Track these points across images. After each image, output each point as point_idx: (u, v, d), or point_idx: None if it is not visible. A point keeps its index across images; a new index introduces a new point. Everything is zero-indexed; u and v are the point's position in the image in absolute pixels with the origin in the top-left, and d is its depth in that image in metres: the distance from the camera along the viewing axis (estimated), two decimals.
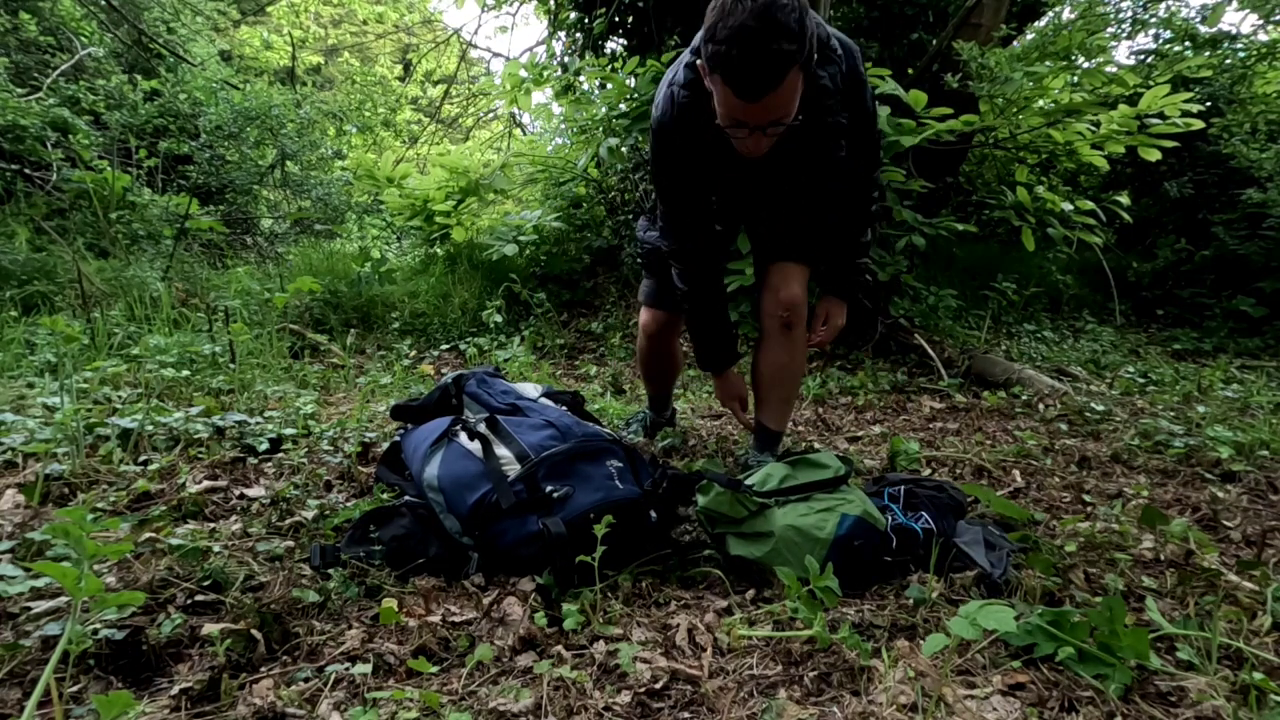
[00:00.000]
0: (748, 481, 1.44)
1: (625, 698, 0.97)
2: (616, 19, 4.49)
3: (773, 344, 1.83)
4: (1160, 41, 3.63)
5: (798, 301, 1.76)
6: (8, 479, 1.53)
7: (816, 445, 2.26)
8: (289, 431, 1.93)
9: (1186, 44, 3.39)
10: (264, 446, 1.85)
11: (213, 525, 1.44)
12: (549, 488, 1.32)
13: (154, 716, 0.90)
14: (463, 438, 1.45)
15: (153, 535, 1.31)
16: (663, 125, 1.53)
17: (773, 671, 1.03)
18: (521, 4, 6.17)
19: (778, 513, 1.34)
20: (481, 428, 1.45)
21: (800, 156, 1.57)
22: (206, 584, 1.18)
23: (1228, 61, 4.32)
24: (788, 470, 1.45)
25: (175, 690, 0.94)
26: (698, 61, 1.35)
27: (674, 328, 2.07)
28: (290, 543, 1.38)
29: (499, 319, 3.71)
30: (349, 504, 1.58)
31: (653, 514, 1.39)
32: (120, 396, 2.14)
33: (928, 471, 2.01)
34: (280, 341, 2.99)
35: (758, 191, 1.70)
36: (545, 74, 4.20)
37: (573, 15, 4.81)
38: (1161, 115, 2.97)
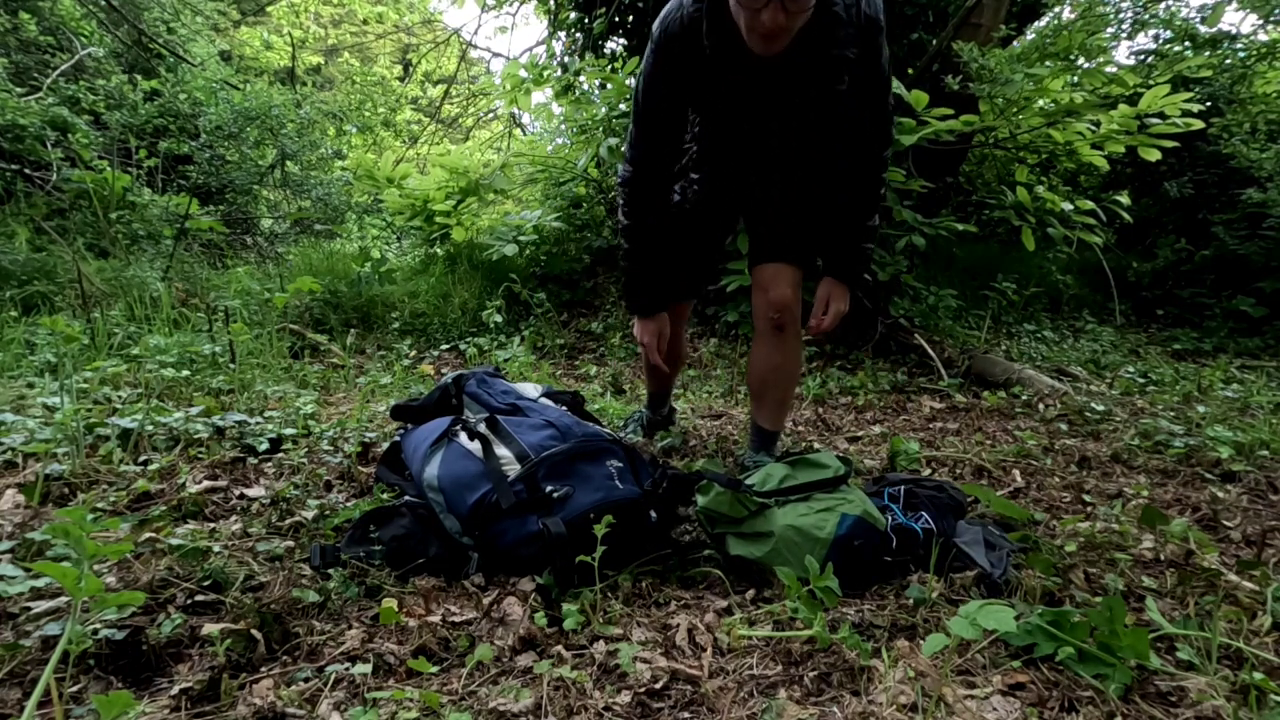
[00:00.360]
0: (748, 482, 1.44)
1: (625, 698, 0.97)
2: (616, 19, 4.49)
3: (765, 345, 1.82)
4: (1160, 42, 3.62)
5: (788, 302, 1.75)
6: (8, 479, 1.53)
7: (816, 445, 2.26)
8: (289, 431, 1.93)
9: (1186, 44, 3.39)
10: (264, 446, 1.85)
11: (213, 525, 1.44)
12: (549, 488, 1.32)
13: (154, 716, 0.90)
14: (463, 438, 1.45)
15: (153, 535, 1.31)
16: (668, 26, 1.48)
17: (773, 671, 1.03)
18: (521, 4, 6.17)
19: (778, 513, 1.34)
20: (481, 428, 1.45)
21: (801, 79, 1.51)
22: (206, 584, 1.18)
23: (1228, 61, 4.32)
24: (787, 470, 1.45)
25: (175, 690, 0.94)
26: None
27: (681, 315, 2.04)
28: (290, 543, 1.38)
29: (499, 319, 3.71)
30: (349, 504, 1.58)
31: (653, 514, 1.39)
32: (120, 396, 2.14)
33: (928, 471, 2.01)
34: (280, 341, 2.99)
35: (754, 115, 1.61)
36: (545, 74, 4.20)
37: (573, 15, 4.82)
38: (1161, 115, 2.98)
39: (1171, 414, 2.62)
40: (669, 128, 1.61)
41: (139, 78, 5.95)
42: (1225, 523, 1.65)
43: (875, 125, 1.61)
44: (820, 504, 1.33)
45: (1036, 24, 4.68)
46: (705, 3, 1.43)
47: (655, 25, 1.51)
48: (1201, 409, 2.68)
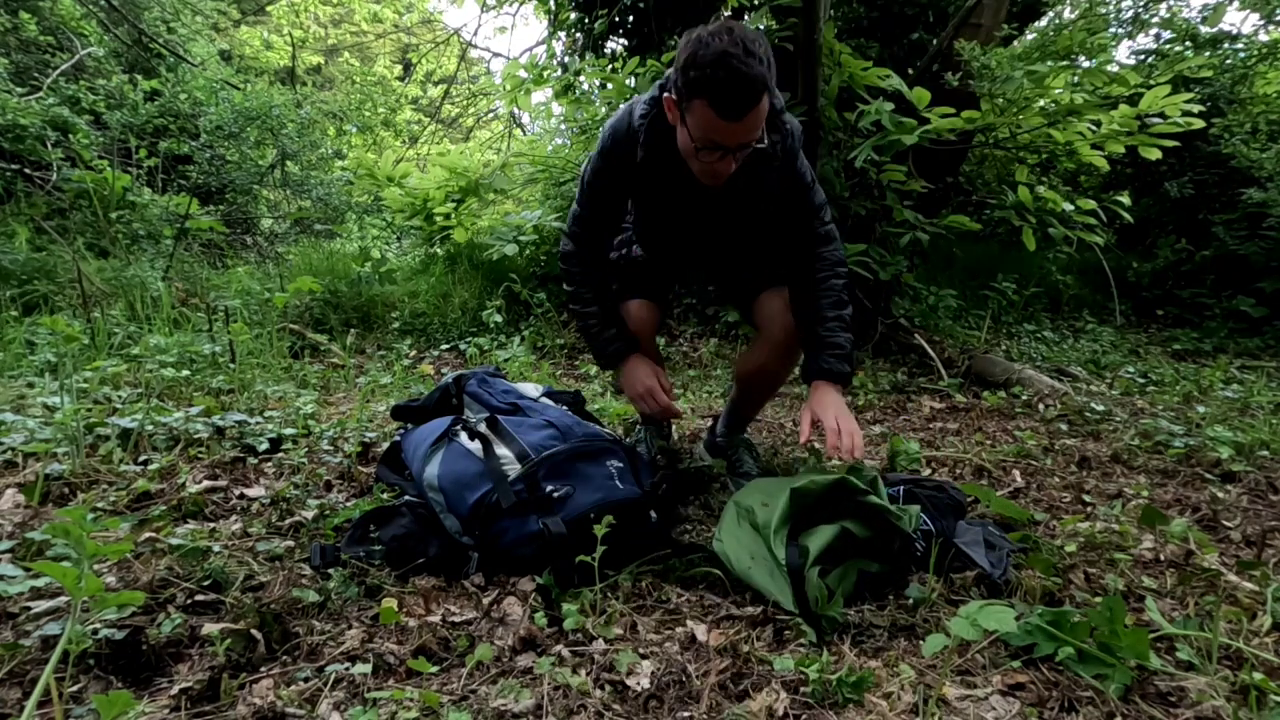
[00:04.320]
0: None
1: (625, 697, 0.97)
2: (617, 19, 4.49)
3: (777, 355, 1.78)
4: (1161, 41, 3.63)
5: (794, 326, 1.74)
6: (8, 479, 1.53)
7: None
8: (289, 431, 1.93)
9: (1187, 44, 3.39)
10: (264, 446, 1.85)
11: (213, 525, 1.44)
12: (549, 487, 1.32)
13: (154, 716, 0.90)
14: (463, 437, 1.45)
15: (153, 535, 1.31)
16: (615, 134, 1.55)
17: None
18: (521, 4, 6.16)
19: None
20: (482, 427, 1.45)
21: (734, 203, 1.61)
22: (206, 584, 1.18)
23: (1228, 61, 4.32)
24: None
25: (175, 690, 0.94)
26: (665, 95, 1.42)
27: (653, 322, 1.83)
28: (290, 543, 1.38)
29: (499, 319, 3.71)
30: (349, 504, 1.58)
31: (653, 514, 1.39)
32: (120, 396, 2.14)
33: (928, 471, 2.01)
34: (280, 341, 2.98)
35: (690, 220, 1.68)
36: (545, 74, 4.19)
37: (573, 15, 4.81)
38: (1162, 115, 2.97)
39: (1171, 414, 2.62)
40: (612, 216, 1.71)
41: (139, 78, 5.94)
42: (1225, 523, 1.65)
43: (811, 233, 1.62)
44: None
45: (1037, 24, 4.68)
46: (647, 121, 1.49)
47: (605, 129, 1.58)
48: (1201, 409, 2.68)
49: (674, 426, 2.34)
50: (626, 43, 4.58)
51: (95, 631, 1.00)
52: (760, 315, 1.78)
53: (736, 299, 1.91)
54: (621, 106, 1.60)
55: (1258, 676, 0.96)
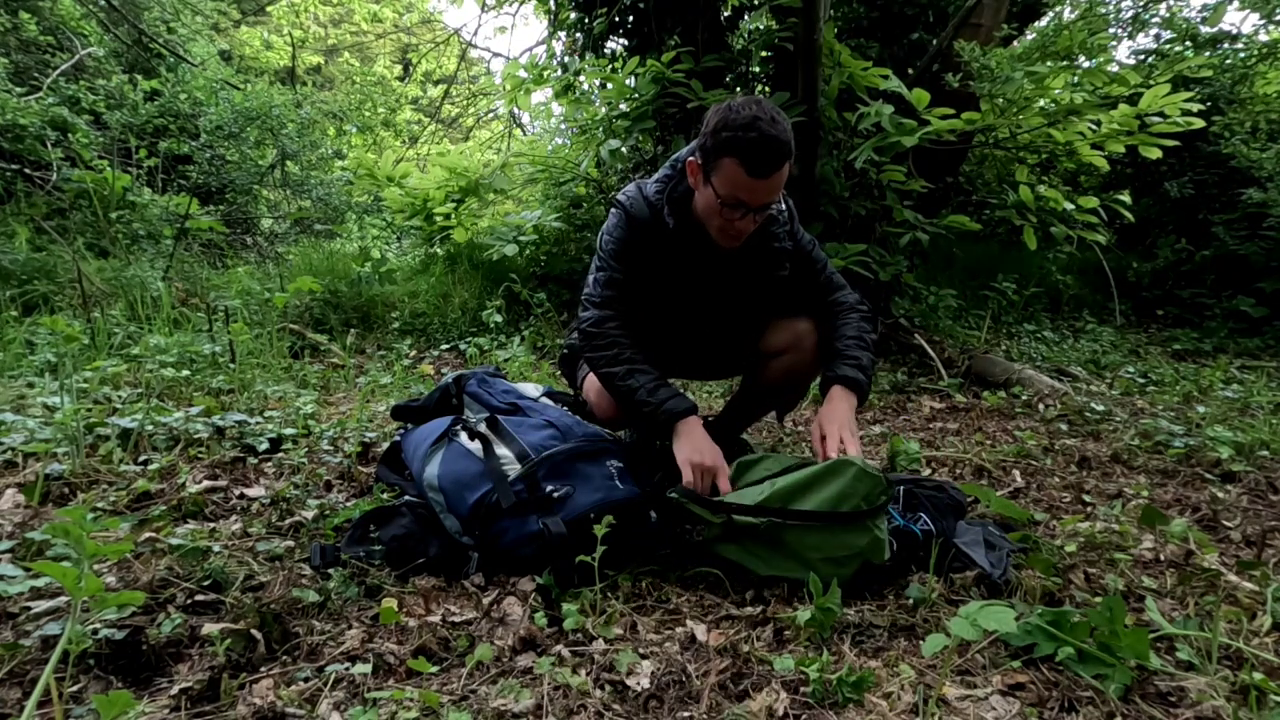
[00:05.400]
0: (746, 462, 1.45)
1: (625, 697, 0.97)
2: (616, 19, 4.49)
3: (808, 360, 1.73)
4: (1161, 41, 3.63)
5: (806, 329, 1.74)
6: (8, 479, 1.53)
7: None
8: (289, 431, 1.93)
9: (1187, 44, 3.39)
10: (264, 446, 1.85)
11: (213, 525, 1.44)
12: (549, 487, 1.32)
13: (154, 716, 0.90)
14: (463, 437, 1.45)
15: (153, 535, 1.31)
16: (632, 207, 1.59)
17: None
18: (521, 4, 6.16)
19: (792, 534, 1.28)
20: (482, 427, 1.45)
21: (748, 270, 1.66)
22: (206, 584, 1.18)
23: (1228, 61, 4.32)
24: (797, 479, 1.33)
25: (175, 690, 0.94)
26: (689, 159, 1.49)
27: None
28: (290, 543, 1.38)
29: (499, 319, 3.71)
30: (349, 504, 1.58)
31: (653, 514, 1.39)
32: (120, 396, 2.14)
33: (928, 471, 2.01)
34: (280, 341, 2.98)
35: (703, 299, 1.70)
36: (545, 74, 4.19)
37: (573, 15, 4.81)
38: (1162, 114, 2.97)
39: (1171, 414, 2.62)
40: (640, 279, 1.64)
41: (139, 78, 5.94)
42: (1225, 523, 1.65)
43: (824, 281, 1.72)
44: (844, 545, 1.26)
45: (1037, 24, 4.68)
46: (666, 192, 1.56)
47: (619, 198, 1.62)
48: (1201, 409, 2.68)
49: None
50: (626, 43, 4.57)
51: (95, 631, 1.00)
52: (783, 334, 1.73)
53: (731, 360, 1.91)
54: (627, 186, 1.64)
55: (1258, 676, 0.96)
